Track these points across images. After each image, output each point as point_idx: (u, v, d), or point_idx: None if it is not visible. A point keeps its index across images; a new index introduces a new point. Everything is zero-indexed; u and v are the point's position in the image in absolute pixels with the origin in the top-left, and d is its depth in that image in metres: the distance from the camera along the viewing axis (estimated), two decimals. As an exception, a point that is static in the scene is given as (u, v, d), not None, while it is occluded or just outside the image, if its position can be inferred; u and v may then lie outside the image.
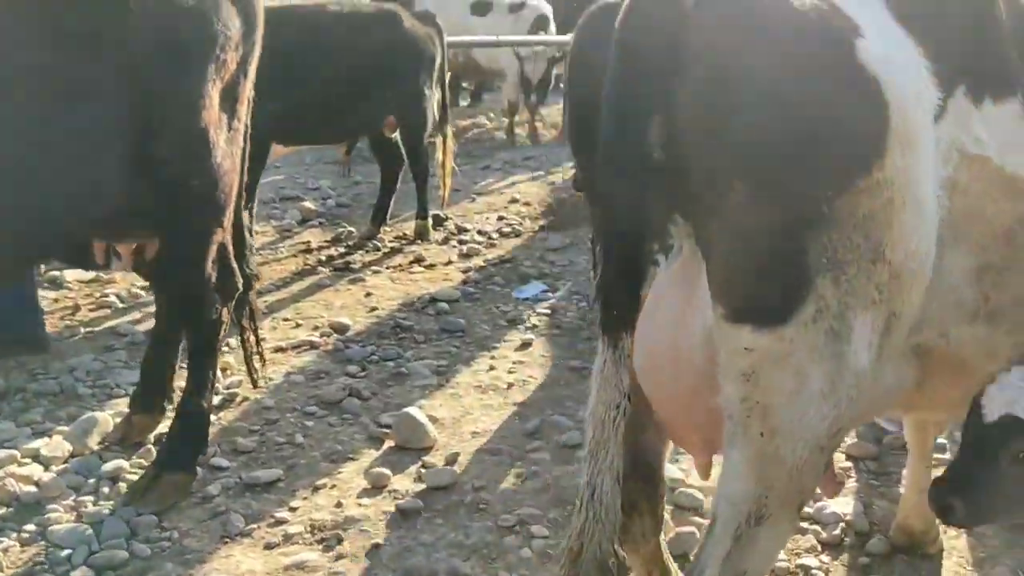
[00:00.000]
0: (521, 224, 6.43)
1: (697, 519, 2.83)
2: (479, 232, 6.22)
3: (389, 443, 3.35)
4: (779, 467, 1.52)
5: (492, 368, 4.00)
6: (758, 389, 1.48)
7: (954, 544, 2.70)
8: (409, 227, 6.20)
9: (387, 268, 5.47)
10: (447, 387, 3.82)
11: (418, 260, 5.58)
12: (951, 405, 1.89)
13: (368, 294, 4.93)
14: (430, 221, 6.13)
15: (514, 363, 4.05)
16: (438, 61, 6.01)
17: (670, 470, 3.05)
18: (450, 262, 5.59)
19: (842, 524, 2.80)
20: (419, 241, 5.98)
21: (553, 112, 9.88)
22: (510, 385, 3.82)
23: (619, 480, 1.57)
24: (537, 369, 3.99)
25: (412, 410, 3.44)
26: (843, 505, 2.87)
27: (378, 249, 5.79)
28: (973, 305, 1.66)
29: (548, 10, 9.43)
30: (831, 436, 1.57)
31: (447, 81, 6.19)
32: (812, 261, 1.43)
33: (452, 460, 3.21)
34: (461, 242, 5.99)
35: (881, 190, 1.45)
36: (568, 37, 8.90)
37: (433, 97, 5.95)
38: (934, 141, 1.53)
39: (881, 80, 1.47)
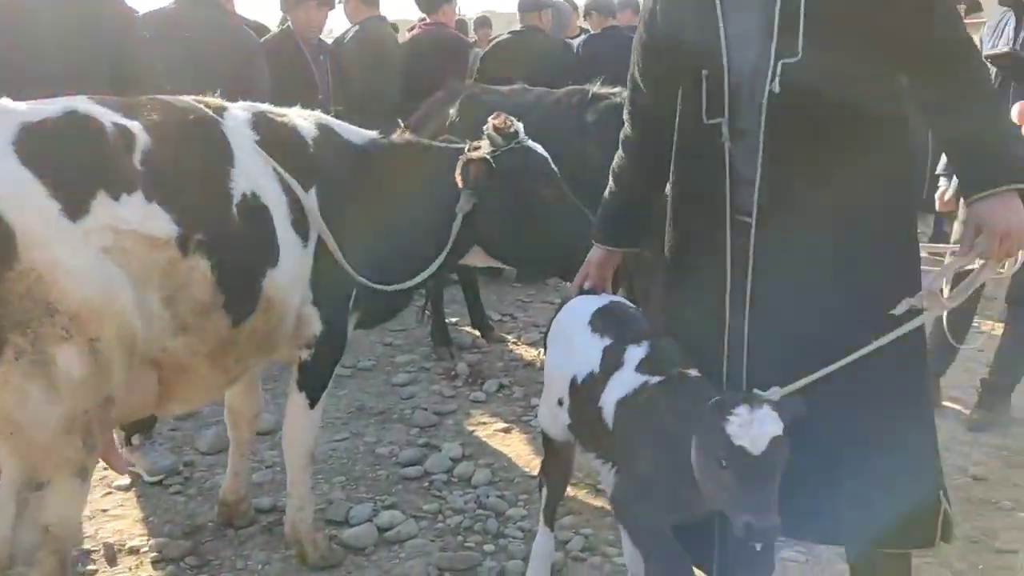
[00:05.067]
0: None
1: None
2: None
3: None
4: (31, 446, 2.27)
5: None
6: None
7: None
8: None
9: None
10: None
11: None
12: (200, 396, 2.86)
13: None
14: None
15: None
16: None
17: None
18: None
19: None
20: None
21: None
22: None
23: None
24: None
25: None
26: None
27: None
28: (172, 323, 2.52)
29: None
30: (70, 423, 2.29)
31: None
32: (3, 326, 2.18)
33: None
34: None
35: (28, 273, 2.20)
36: None
37: None
38: (80, 232, 2.28)
39: (9, 214, 2.19)
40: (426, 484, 3.79)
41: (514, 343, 5.72)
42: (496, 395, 4.82)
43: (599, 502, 3.64)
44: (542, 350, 5.49)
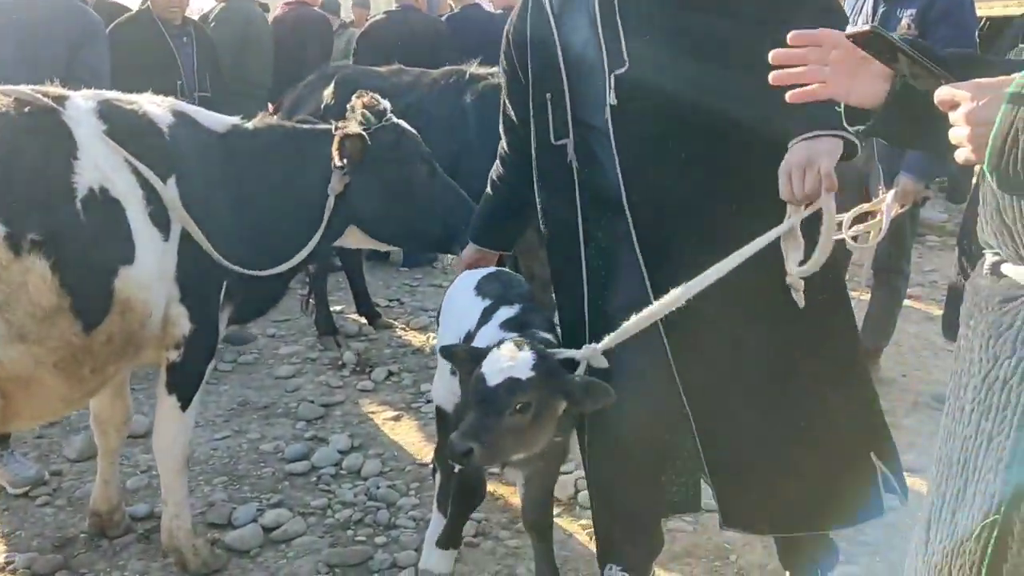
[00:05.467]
0: None
1: None
2: None
3: None
4: None
5: None
6: None
7: None
8: None
9: None
10: None
11: None
12: (53, 410, 2.67)
13: None
14: None
15: None
16: None
17: None
18: None
19: None
20: None
21: None
22: None
23: None
24: None
25: None
26: None
27: None
28: (7, 331, 2.34)
29: None
30: None
31: None
32: None
33: None
34: None
35: None
36: None
37: None
38: None
39: None
40: (313, 479, 3.69)
41: (402, 329, 5.63)
42: (385, 383, 4.73)
43: (491, 486, 3.61)
44: (431, 335, 5.48)
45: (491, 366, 2.18)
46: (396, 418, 4.29)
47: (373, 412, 4.37)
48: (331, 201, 3.08)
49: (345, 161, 3.05)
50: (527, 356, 2.18)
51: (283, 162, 3.06)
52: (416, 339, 5.44)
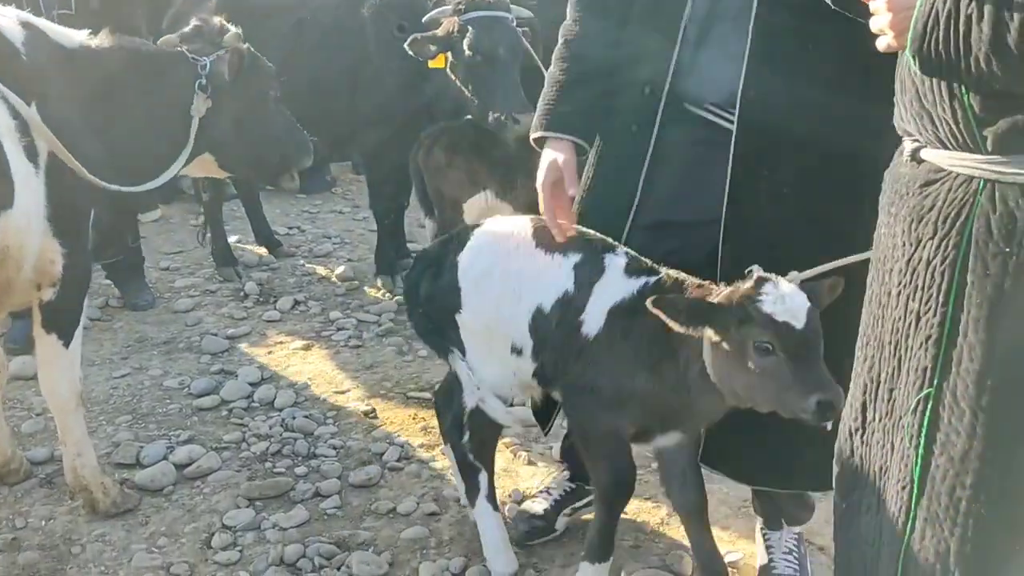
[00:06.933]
0: None
1: None
2: None
3: None
4: None
5: None
6: None
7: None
8: None
9: None
10: None
11: None
12: None
13: None
14: None
15: None
16: None
17: None
18: None
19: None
20: None
21: None
22: None
23: None
24: None
25: None
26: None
27: None
28: None
29: None
30: None
31: None
32: None
33: None
34: None
35: None
36: None
37: None
38: None
39: None
40: (224, 413, 3.54)
41: (305, 257, 5.44)
42: (291, 313, 4.56)
43: (410, 410, 3.56)
44: (336, 262, 5.30)
45: (787, 310, 1.85)
46: (306, 347, 4.16)
47: (281, 343, 4.22)
48: (195, 123, 2.92)
49: (233, 76, 2.96)
50: (789, 284, 1.89)
51: (137, 82, 2.86)
52: (320, 267, 5.27)
